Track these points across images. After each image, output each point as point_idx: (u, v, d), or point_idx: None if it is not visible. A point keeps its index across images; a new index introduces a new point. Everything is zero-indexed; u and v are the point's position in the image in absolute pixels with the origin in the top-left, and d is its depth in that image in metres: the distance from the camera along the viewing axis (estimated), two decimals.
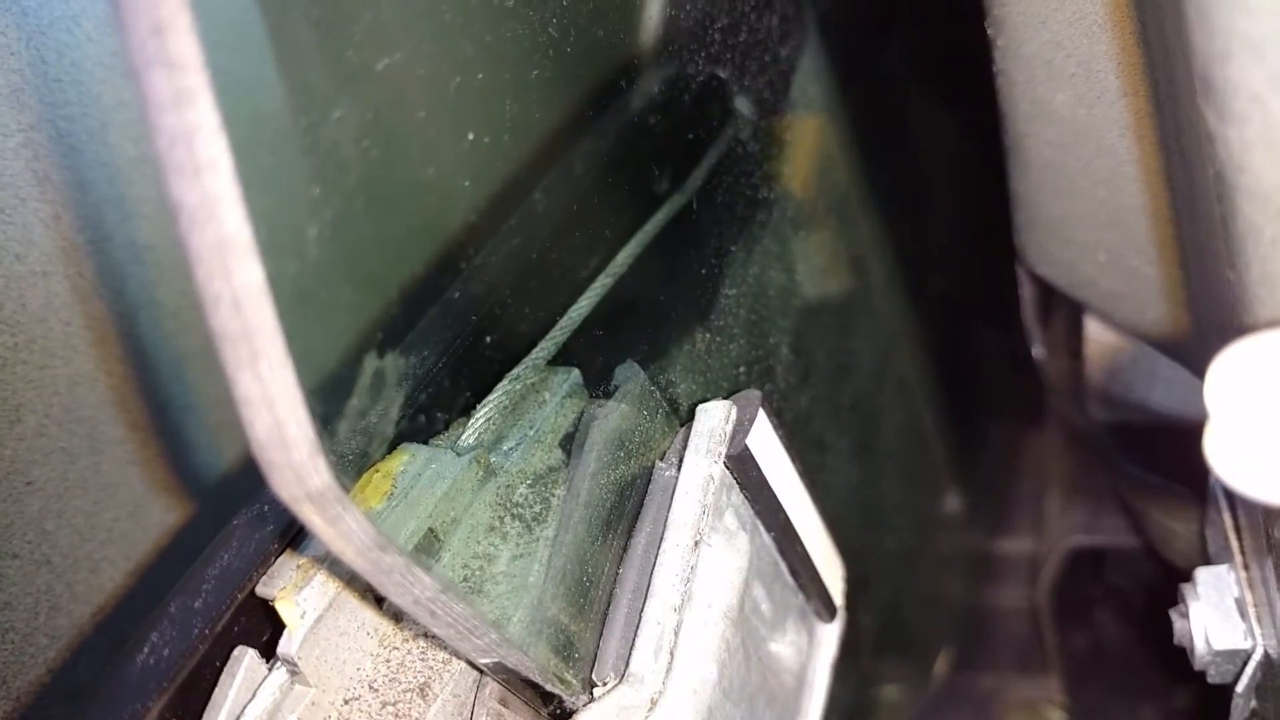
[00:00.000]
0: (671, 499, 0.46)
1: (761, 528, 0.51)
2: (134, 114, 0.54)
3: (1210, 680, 0.49)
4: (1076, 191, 0.54)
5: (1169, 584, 0.51)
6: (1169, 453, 0.69)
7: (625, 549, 0.45)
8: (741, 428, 0.48)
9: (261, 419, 0.24)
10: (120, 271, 0.54)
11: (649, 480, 0.47)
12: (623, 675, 0.41)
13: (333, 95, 0.31)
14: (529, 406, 0.42)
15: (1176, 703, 0.92)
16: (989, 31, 0.52)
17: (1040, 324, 0.76)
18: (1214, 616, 0.48)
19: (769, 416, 0.50)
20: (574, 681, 0.40)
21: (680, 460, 0.47)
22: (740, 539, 0.49)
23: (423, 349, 0.36)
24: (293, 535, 0.36)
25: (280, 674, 0.35)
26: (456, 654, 0.38)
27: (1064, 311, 0.77)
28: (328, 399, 0.29)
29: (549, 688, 0.39)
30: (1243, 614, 0.48)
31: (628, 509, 0.46)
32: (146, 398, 0.56)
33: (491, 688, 0.39)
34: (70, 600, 0.52)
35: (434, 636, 0.38)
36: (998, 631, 1.06)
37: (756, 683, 0.50)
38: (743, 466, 0.48)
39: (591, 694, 0.41)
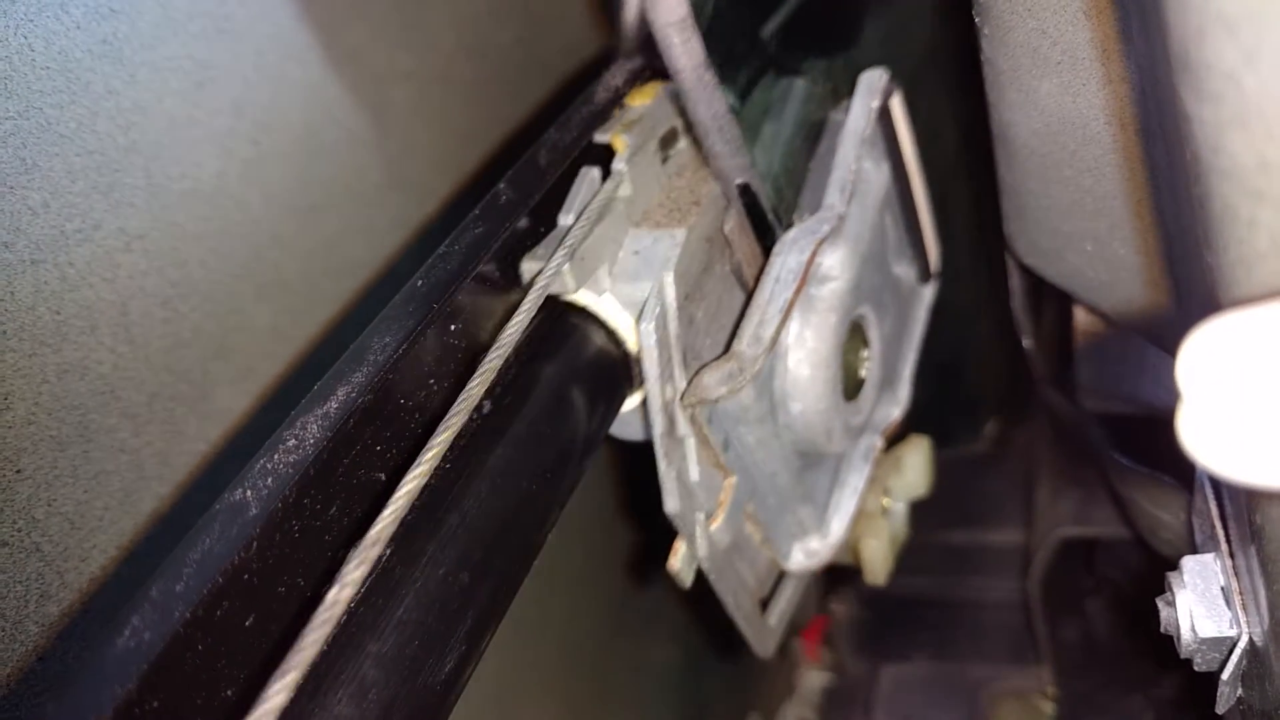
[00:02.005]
0: (844, 123, 0.66)
1: (893, 176, 0.72)
2: (123, 102, 0.54)
3: (1197, 668, 0.50)
4: (1063, 180, 0.54)
5: (1158, 574, 0.51)
6: (1157, 443, 0.69)
7: (813, 151, 0.68)
8: (887, 90, 0.68)
9: None
10: (110, 260, 0.54)
11: (824, 124, 0.70)
12: (818, 209, 0.62)
13: None
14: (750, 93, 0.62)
15: (1165, 691, 0.92)
16: (975, 20, 0.53)
17: (1029, 314, 0.77)
18: (1200, 605, 0.49)
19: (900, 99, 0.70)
20: (784, 222, 0.63)
21: (848, 107, 0.67)
22: (883, 166, 0.70)
23: None
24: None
25: (611, 182, 0.56)
26: (717, 181, 0.58)
27: (1053, 302, 0.77)
28: None
29: (769, 218, 0.61)
30: (1228, 602, 0.48)
31: (811, 136, 0.68)
32: (137, 386, 0.56)
33: (733, 215, 0.60)
34: (60, 588, 0.52)
35: (697, 181, 0.59)
36: (989, 622, 1.07)
37: (885, 275, 0.72)
38: (885, 120, 0.69)
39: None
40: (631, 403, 0.58)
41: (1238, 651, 0.47)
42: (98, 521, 0.54)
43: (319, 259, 0.66)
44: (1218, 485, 0.51)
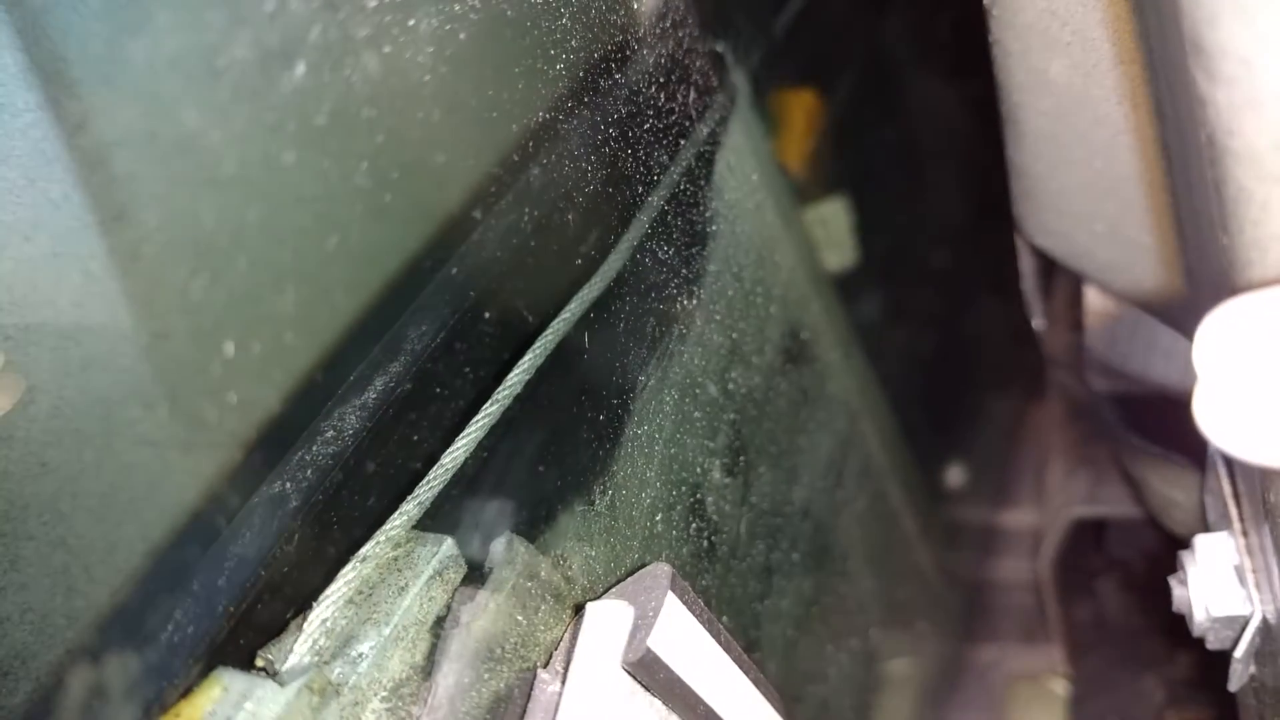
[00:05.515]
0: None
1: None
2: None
3: (1209, 647, 0.50)
4: (1073, 161, 0.54)
5: (1170, 553, 0.51)
6: (1169, 422, 0.69)
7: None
8: (644, 623, 0.40)
9: None
10: (133, 251, 0.55)
11: (529, 695, 0.39)
12: None
13: None
14: (386, 593, 0.35)
15: (1178, 670, 0.93)
16: (984, 1, 0.53)
17: (1040, 295, 0.77)
18: (1212, 583, 0.49)
19: (681, 594, 0.42)
20: None
21: (566, 670, 0.39)
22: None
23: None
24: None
25: None
26: None
27: (1064, 282, 0.77)
28: None
29: None
30: (1241, 580, 0.48)
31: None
32: (161, 378, 0.56)
33: None
34: (87, 581, 0.53)
35: None
36: (1001, 603, 1.07)
37: None
38: (648, 670, 0.40)
39: None
40: None
41: (1251, 629, 0.47)
42: (123, 515, 0.54)
43: (345, 247, 0.67)
44: (1230, 464, 0.51)
